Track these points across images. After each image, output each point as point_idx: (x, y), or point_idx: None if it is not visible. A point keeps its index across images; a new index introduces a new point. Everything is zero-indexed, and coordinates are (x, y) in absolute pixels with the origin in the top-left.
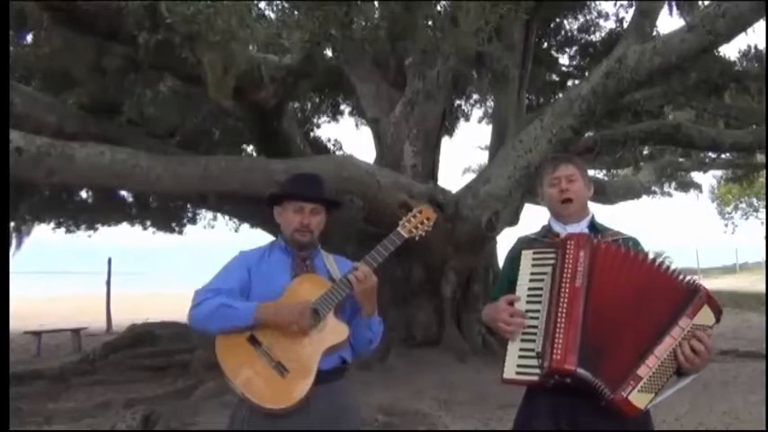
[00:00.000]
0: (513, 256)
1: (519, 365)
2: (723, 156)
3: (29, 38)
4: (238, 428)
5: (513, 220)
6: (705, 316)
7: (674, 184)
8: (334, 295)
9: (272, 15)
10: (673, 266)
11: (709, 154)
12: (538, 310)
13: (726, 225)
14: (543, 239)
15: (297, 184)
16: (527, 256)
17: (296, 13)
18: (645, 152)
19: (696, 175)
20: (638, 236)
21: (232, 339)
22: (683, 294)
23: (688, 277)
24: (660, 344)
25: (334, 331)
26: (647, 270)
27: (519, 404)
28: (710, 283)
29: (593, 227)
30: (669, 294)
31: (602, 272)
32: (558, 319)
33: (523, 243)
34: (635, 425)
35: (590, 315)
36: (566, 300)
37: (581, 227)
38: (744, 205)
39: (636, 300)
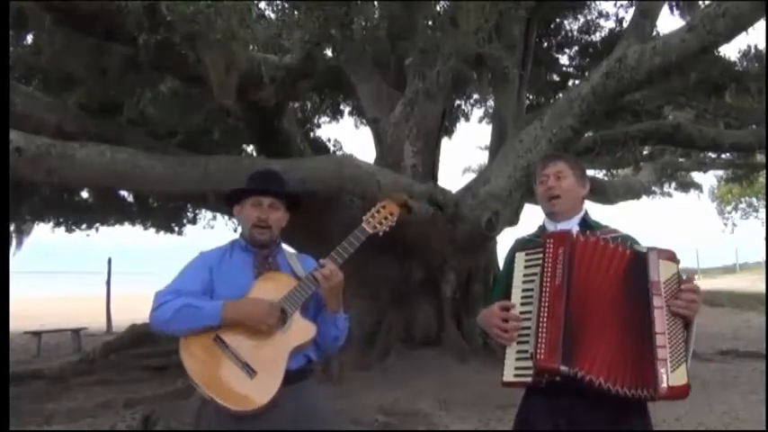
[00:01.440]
0: (510, 258)
1: (516, 368)
2: (723, 156)
3: (29, 38)
4: (205, 428)
5: (513, 220)
6: (667, 268)
7: (674, 184)
8: (300, 293)
9: (272, 15)
10: (634, 246)
11: (709, 154)
12: (531, 312)
13: (726, 225)
14: (537, 239)
15: (254, 180)
16: (520, 258)
17: (296, 13)
18: (645, 152)
19: (696, 175)
20: (637, 236)
21: (198, 340)
22: (638, 263)
23: (634, 247)
24: (655, 319)
25: (300, 330)
26: (610, 255)
27: (518, 404)
28: (710, 283)
29: (586, 224)
30: (629, 269)
31: (581, 267)
32: (542, 319)
33: (519, 245)
34: (633, 425)
35: (572, 311)
36: (547, 299)
37: (572, 224)
38: (744, 205)
39: (611, 287)
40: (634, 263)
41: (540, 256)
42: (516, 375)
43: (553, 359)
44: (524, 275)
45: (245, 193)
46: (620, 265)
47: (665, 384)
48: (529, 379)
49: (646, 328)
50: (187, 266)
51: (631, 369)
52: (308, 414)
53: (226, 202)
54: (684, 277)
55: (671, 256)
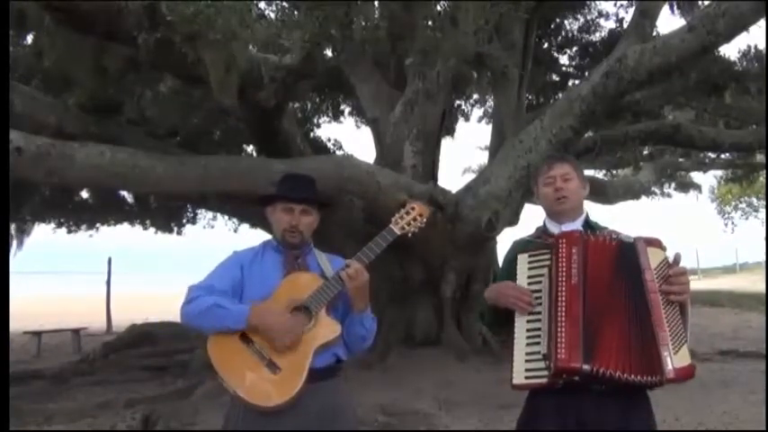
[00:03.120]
0: (510, 260)
1: (527, 369)
2: (723, 156)
3: (29, 39)
4: (233, 428)
5: (513, 220)
6: (656, 255)
7: (673, 185)
8: (326, 292)
9: (272, 15)
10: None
11: (709, 154)
12: (539, 312)
13: (726, 225)
14: (537, 240)
15: (287, 185)
16: (523, 260)
17: (296, 13)
18: (645, 152)
19: (696, 175)
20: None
21: (224, 337)
22: (628, 253)
23: (622, 238)
24: (652, 305)
25: (326, 328)
26: (613, 249)
27: (521, 404)
28: (710, 283)
29: (588, 225)
30: (621, 260)
31: (593, 266)
32: (559, 319)
33: (518, 246)
34: (640, 423)
35: (588, 310)
36: (564, 298)
37: (575, 225)
38: (744, 205)
39: (611, 280)
40: (624, 253)
41: (547, 256)
42: (528, 377)
43: (575, 359)
44: (529, 277)
45: (277, 198)
46: (613, 258)
47: (670, 367)
48: (543, 380)
49: (644, 315)
50: (220, 264)
51: (638, 356)
52: (332, 413)
53: (258, 203)
54: (671, 261)
55: (658, 243)
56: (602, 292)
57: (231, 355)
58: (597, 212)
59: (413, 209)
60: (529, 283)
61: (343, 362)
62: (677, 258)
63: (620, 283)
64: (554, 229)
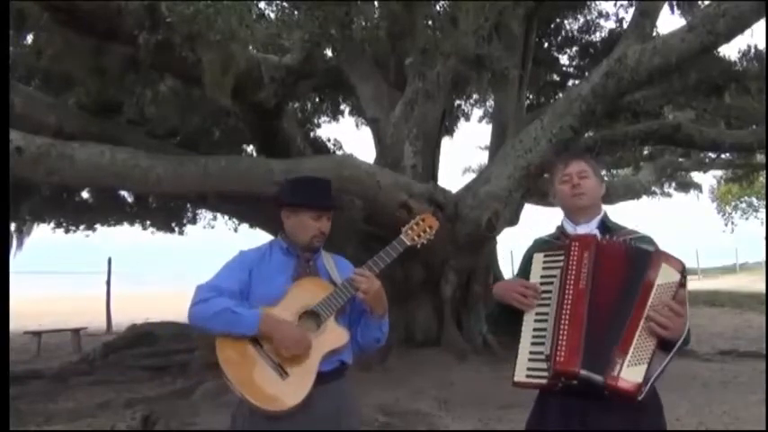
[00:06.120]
0: (528, 258)
1: (529, 368)
2: (723, 156)
3: (29, 38)
4: (239, 428)
5: (513, 220)
6: (667, 273)
7: (674, 184)
8: (336, 299)
9: (272, 15)
10: (641, 245)
11: (710, 154)
12: (547, 313)
13: (726, 225)
14: (555, 241)
15: (312, 192)
16: (538, 260)
17: (296, 13)
18: (645, 152)
19: (696, 175)
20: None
21: (234, 339)
22: (640, 263)
23: (639, 245)
24: (632, 315)
25: (334, 336)
26: (628, 256)
27: (521, 404)
28: (710, 283)
29: (605, 226)
30: (631, 266)
31: (605, 271)
32: (563, 322)
33: (537, 245)
34: (648, 425)
35: (593, 315)
36: (569, 302)
37: (591, 227)
38: (744, 205)
39: (618, 285)
40: (635, 262)
41: (561, 258)
42: (528, 376)
43: (573, 363)
44: (542, 277)
45: (304, 205)
46: (623, 265)
47: (615, 373)
48: (542, 381)
49: (622, 320)
50: (228, 264)
51: (596, 352)
52: (338, 415)
53: (275, 203)
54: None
55: (676, 264)
56: (610, 298)
57: (239, 359)
58: None
59: (423, 220)
60: (541, 283)
61: (348, 365)
62: (680, 297)
63: (621, 291)
64: (570, 229)
